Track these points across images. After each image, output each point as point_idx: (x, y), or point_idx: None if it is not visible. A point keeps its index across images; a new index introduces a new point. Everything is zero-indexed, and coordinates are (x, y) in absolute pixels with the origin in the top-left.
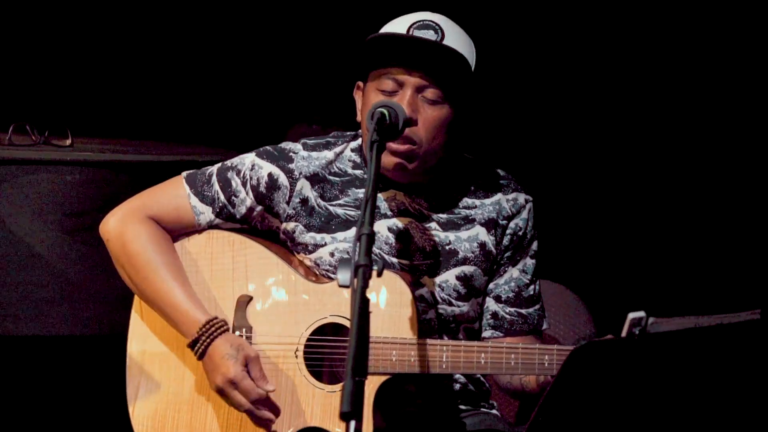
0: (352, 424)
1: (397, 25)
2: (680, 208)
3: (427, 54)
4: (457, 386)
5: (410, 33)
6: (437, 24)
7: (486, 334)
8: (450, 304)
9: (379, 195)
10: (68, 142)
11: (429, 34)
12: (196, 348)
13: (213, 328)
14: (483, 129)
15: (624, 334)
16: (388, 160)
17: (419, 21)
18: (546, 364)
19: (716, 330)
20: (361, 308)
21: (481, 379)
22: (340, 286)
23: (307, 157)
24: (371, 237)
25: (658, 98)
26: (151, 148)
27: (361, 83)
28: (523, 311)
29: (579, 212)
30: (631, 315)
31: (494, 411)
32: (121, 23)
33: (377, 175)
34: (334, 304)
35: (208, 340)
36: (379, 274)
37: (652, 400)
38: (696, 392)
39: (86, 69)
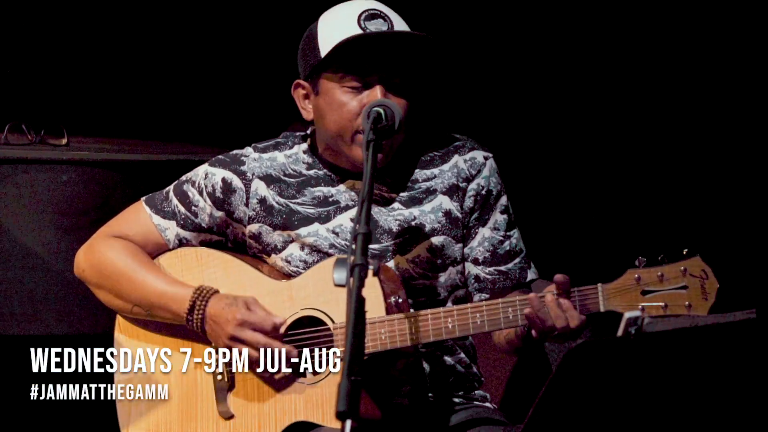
0: (348, 423)
1: (343, 19)
2: (674, 206)
3: (391, 46)
4: (444, 369)
5: (362, 25)
6: (380, 11)
7: (475, 298)
8: (427, 277)
9: (337, 188)
10: (64, 141)
11: (379, 23)
12: (195, 313)
13: (204, 292)
14: (471, 122)
15: (620, 333)
16: (359, 154)
17: (364, 11)
18: (510, 317)
19: (712, 329)
20: (357, 308)
21: (467, 360)
22: (336, 285)
23: (258, 159)
24: (367, 236)
25: (641, 94)
26: (146, 147)
27: (302, 82)
28: (502, 268)
29: (565, 205)
30: (627, 314)
31: (488, 404)
32: (117, 22)
33: (373, 175)
34: (302, 298)
35: (204, 302)
36: (375, 274)
37: (648, 400)
38: (692, 392)
39: (82, 68)
